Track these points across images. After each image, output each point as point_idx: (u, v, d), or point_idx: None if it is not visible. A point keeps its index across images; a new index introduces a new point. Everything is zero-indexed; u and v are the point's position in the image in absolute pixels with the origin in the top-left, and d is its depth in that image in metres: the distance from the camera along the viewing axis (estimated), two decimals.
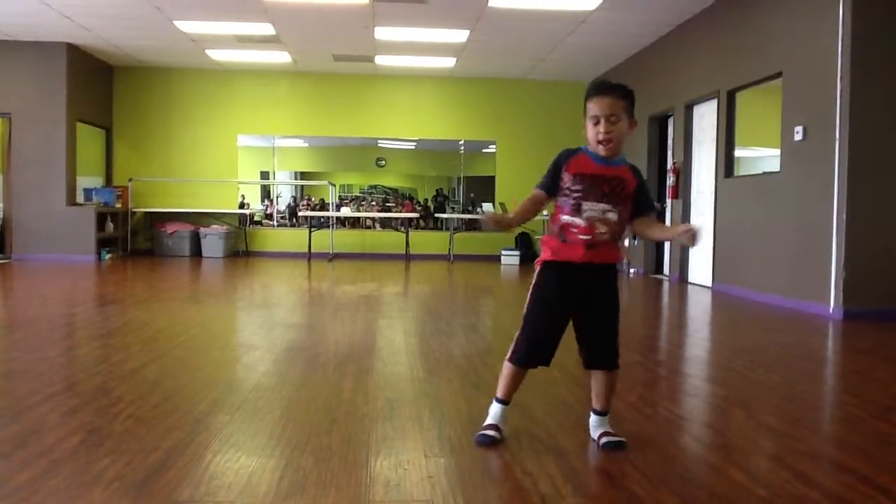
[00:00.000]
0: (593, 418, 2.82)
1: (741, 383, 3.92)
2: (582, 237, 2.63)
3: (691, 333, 5.95)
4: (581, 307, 2.71)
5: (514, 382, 2.77)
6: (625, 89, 2.66)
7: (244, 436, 2.81)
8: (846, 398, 3.72)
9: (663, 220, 10.24)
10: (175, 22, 9.79)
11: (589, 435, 2.83)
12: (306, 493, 2.23)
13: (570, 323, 2.75)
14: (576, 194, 2.64)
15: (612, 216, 2.64)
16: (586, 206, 2.62)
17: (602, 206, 2.63)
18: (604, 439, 2.72)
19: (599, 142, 2.62)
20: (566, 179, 2.65)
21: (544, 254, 2.74)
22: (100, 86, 12.53)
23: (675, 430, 3.01)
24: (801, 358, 4.74)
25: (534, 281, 2.75)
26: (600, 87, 2.65)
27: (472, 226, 13.76)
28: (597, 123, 2.62)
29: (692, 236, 2.58)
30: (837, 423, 3.32)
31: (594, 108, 2.62)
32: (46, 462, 2.44)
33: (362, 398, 3.37)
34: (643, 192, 2.72)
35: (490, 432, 2.72)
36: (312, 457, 2.55)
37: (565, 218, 2.66)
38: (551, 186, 2.69)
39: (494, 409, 2.79)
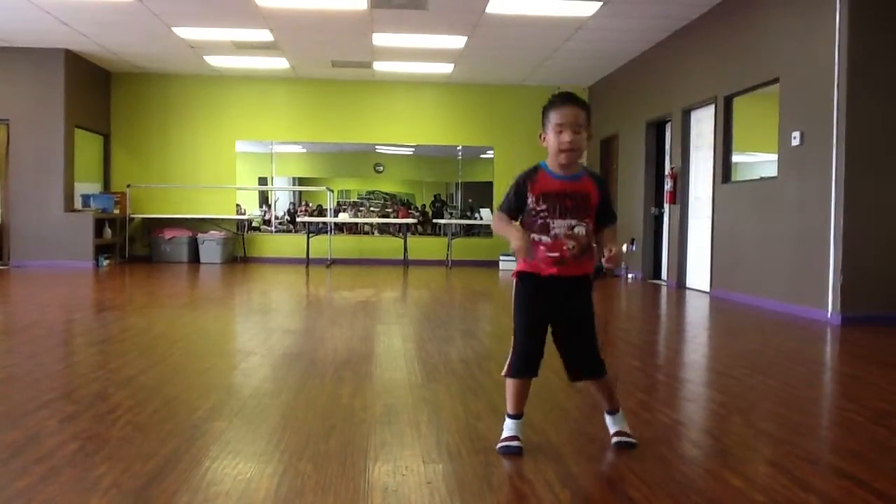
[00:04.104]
0: (607, 418, 2.88)
1: (739, 389, 3.92)
2: (550, 255, 2.68)
3: (689, 339, 5.96)
4: (556, 318, 2.75)
5: (519, 395, 2.77)
6: (584, 102, 2.72)
7: (242, 442, 2.80)
8: (844, 403, 3.72)
9: (661, 225, 10.28)
10: (173, 28, 9.80)
11: (588, 440, 2.87)
12: (304, 499, 2.23)
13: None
14: (542, 214, 2.68)
15: (580, 230, 2.68)
16: (553, 223, 2.67)
17: (568, 221, 2.67)
18: (615, 438, 2.80)
19: (562, 150, 2.65)
20: (531, 201, 2.69)
21: (518, 265, 2.77)
22: (98, 92, 12.54)
23: (674, 436, 3.01)
24: (798, 363, 4.74)
25: (513, 293, 2.79)
26: (566, 98, 2.69)
27: (470, 231, 13.77)
28: (560, 132, 2.64)
29: (615, 261, 2.69)
30: (835, 428, 3.32)
31: (558, 116, 2.65)
32: (44, 469, 2.44)
33: (360, 404, 3.37)
34: (605, 205, 2.75)
35: (513, 443, 2.70)
36: (311, 463, 2.55)
37: (534, 237, 2.69)
38: (513, 210, 2.74)
39: (509, 423, 2.77)
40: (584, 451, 2.75)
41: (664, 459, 2.68)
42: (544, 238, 2.68)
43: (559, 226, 2.66)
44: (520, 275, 2.76)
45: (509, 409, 2.78)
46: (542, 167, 2.72)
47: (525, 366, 2.73)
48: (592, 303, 2.78)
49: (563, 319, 2.74)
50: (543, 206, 2.67)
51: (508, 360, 2.76)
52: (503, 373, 2.77)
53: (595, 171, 2.78)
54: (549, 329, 2.76)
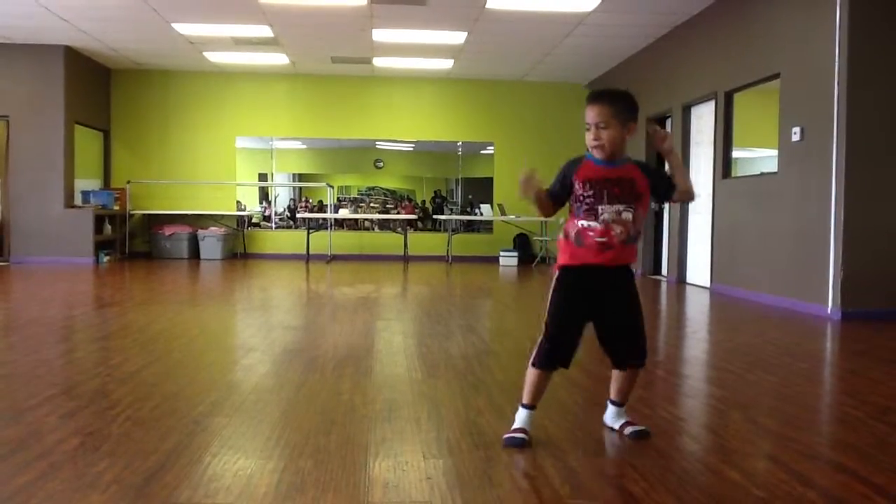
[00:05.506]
0: (612, 409, 2.94)
1: (739, 384, 3.93)
2: (598, 240, 2.71)
3: (689, 334, 5.96)
4: (601, 310, 2.78)
5: (540, 387, 2.79)
6: (614, 96, 2.74)
7: (243, 438, 2.81)
8: (844, 399, 3.72)
9: (661, 220, 10.28)
10: (173, 24, 9.79)
11: (587, 435, 2.87)
12: (305, 495, 2.24)
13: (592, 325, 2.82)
14: (589, 199, 2.72)
15: (628, 215, 2.71)
16: (601, 208, 2.71)
17: (617, 206, 2.70)
18: (628, 429, 2.85)
19: (592, 147, 2.74)
20: (577, 187, 2.74)
21: (561, 258, 2.81)
22: (98, 88, 12.53)
23: (674, 431, 3.01)
24: (798, 359, 4.74)
25: (552, 285, 2.81)
26: (591, 96, 2.76)
27: (470, 227, 13.77)
28: (587, 131, 2.74)
29: (662, 138, 2.76)
30: (835, 423, 3.33)
31: (586, 115, 2.74)
32: (45, 465, 2.44)
33: (361, 400, 3.37)
34: (659, 177, 2.81)
35: (518, 435, 2.73)
36: (311, 458, 2.56)
37: (581, 223, 2.74)
38: (557, 194, 2.80)
39: (521, 414, 2.79)
40: (583, 447, 2.76)
41: (664, 454, 2.69)
42: (592, 224, 2.71)
43: (607, 211, 2.70)
44: (563, 268, 2.79)
45: (525, 398, 2.80)
46: (587, 156, 2.78)
47: (554, 358, 2.75)
48: (637, 292, 2.82)
49: (606, 312, 2.77)
50: (590, 192, 2.71)
51: (536, 349, 2.78)
52: (530, 361, 2.79)
53: (639, 160, 2.84)
54: (592, 324, 2.79)
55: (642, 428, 2.85)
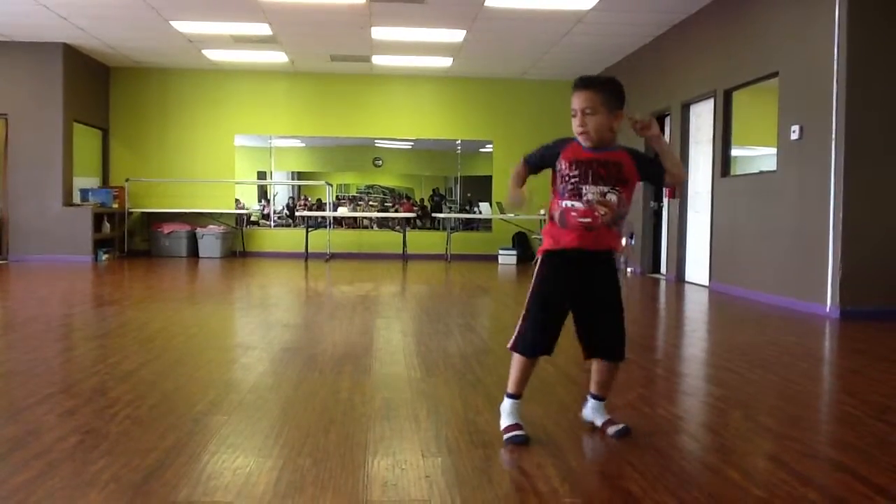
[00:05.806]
0: (592, 403, 2.90)
1: (738, 383, 3.92)
2: (582, 220, 2.69)
3: (688, 333, 5.96)
4: (582, 297, 2.76)
5: (526, 374, 2.79)
6: (602, 83, 2.72)
7: (242, 436, 2.81)
8: (843, 398, 3.72)
9: (660, 219, 10.28)
10: (171, 22, 9.78)
11: (586, 433, 2.86)
12: (304, 493, 2.23)
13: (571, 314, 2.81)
14: (574, 179, 2.70)
15: (613, 197, 2.70)
16: (585, 188, 2.69)
17: (601, 187, 2.69)
18: (611, 429, 2.82)
19: (577, 135, 2.72)
20: (563, 166, 2.73)
21: (545, 243, 2.80)
22: (96, 86, 12.51)
23: (673, 430, 3.01)
24: (798, 357, 4.74)
25: (536, 270, 2.80)
26: (578, 82, 2.73)
27: (469, 225, 13.76)
28: (573, 117, 2.71)
29: (644, 126, 2.67)
30: (835, 422, 3.33)
31: (573, 101, 2.72)
32: (43, 463, 2.44)
33: (360, 398, 3.37)
34: (649, 162, 2.76)
35: (519, 432, 2.72)
36: (310, 457, 2.55)
37: (566, 203, 2.72)
38: (535, 163, 2.80)
39: (508, 406, 2.79)
40: (582, 445, 2.76)
41: (663, 453, 2.68)
42: (576, 204, 2.69)
43: (591, 191, 2.69)
44: (546, 252, 2.78)
45: (510, 387, 2.79)
46: (574, 139, 2.76)
47: (537, 344, 2.74)
48: (619, 282, 2.81)
49: (588, 299, 2.75)
50: (576, 172, 2.70)
51: (515, 334, 2.76)
52: (508, 346, 2.78)
53: (632, 147, 2.80)
54: (570, 311, 2.77)
55: (623, 426, 2.82)
